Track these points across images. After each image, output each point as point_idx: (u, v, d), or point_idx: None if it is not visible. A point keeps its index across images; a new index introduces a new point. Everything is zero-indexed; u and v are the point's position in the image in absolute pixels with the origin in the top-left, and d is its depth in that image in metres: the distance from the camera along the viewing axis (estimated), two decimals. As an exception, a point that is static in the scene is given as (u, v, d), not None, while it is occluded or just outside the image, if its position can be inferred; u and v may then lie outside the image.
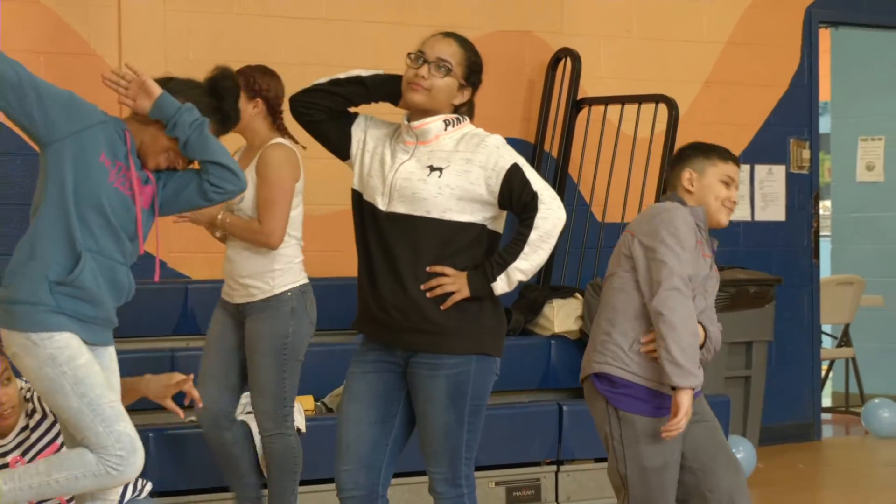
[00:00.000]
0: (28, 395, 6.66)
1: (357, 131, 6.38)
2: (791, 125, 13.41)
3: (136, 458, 5.68)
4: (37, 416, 6.63)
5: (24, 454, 6.62)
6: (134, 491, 6.92)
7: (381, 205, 6.24)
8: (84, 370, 5.62)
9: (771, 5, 13.25)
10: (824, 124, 15.64)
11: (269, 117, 8.09)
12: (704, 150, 6.61)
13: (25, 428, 6.66)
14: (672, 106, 11.54)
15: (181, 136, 5.68)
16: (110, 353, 5.90)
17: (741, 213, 13.02)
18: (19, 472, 5.75)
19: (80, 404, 5.63)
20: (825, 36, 14.49)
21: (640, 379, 6.40)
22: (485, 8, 11.82)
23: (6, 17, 10.32)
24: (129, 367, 9.46)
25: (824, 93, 15.44)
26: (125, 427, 5.67)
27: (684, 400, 6.24)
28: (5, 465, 6.59)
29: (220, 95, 5.96)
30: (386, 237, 6.23)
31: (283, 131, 8.04)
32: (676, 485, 6.49)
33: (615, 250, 6.58)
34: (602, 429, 6.49)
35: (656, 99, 11.71)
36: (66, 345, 5.62)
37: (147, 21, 10.71)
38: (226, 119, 5.98)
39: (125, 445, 5.65)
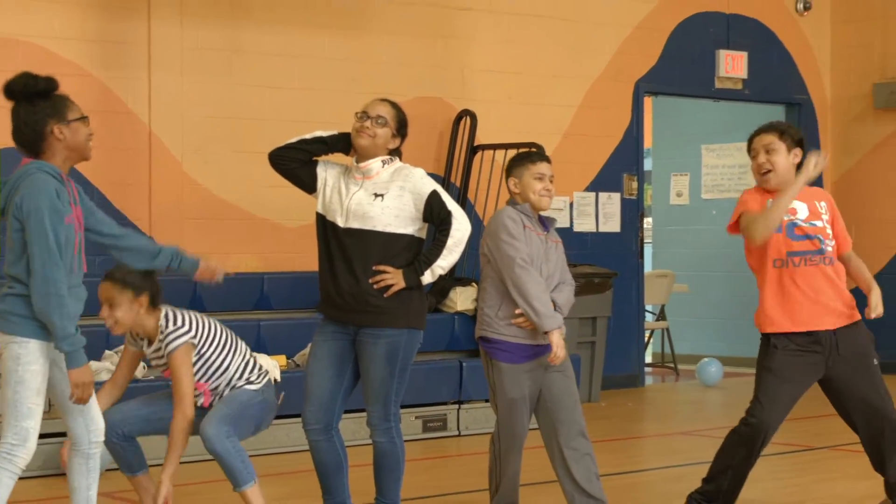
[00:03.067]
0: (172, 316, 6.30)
1: (321, 173, 6.39)
2: (624, 164, 13.46)
3: (24, 449, 5.40)
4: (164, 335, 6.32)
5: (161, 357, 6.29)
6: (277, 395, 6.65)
7: (340, 223, 6.25)
8: (30, 374, 5.37)
9: (610, 80, 13.32)
10: (648, 164, 15.73)
11: None
12: (520, 160, 6.53)
13: (158, 348, 6.30)
14: (541, 151, 11.60)
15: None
16: None
17: (589, 227, 13.11)
18: None
19: (11, 396, 5.37)
20: (648, 102, 14.57)
21: (504, 336, 6.38)
22: (409, 80, 11.85)
23: (71, 87, 10.27)
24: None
25: (648, 142, 15.55)
26: (28, 424, 5.37)
27: (555, 338, 6.26)
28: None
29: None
30: (344, 245, 6.23)
31: None
32: (530, 412, 6.50)
33: None
34: (485, 372, 6.54)
35: (529, 146, 11.73)
36: (32, 351, 5.40)
37: (170, 88, 10.68)
38: None
39: (20, 437, 5.37)
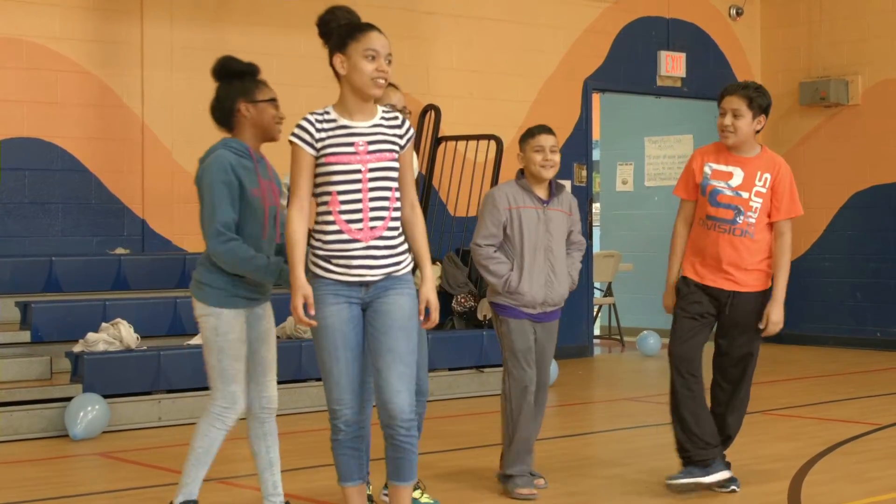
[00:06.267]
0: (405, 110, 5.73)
1: None
2: (575, 154, 13.48)
3: (234, 410, 5.31)
4: (397, 122, 5.16)
5: (371, 143, 5.00)
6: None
7: None
8: (229, 344, 5.27)
9: (562, 78, 13.34)
10: (596, 154, 15.77)
11: None
12: (524, 135, 6.46)
13: (380, 125, 5.09)
14: (499, 142, 11.61)
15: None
16: (265, 305, 5.47)
17: (543, 211, 13.12)
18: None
19: (216, 363, 5.28)
20: (596, 98, 14.60)
21: (500, 299, 6.42)
22: (379, 78, 11.79)
23: (70, 83, 10.23)
24: (146, 309, 9.45)
25: (596, 134, 15.58)
26: (235, 388, 5.29)
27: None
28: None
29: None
30: None
31: None
32: (532, 361, 6.43)
33: None
34: (496, 332, 6.54)
35: (488, 137, 11.78)
36: (227, 321, 5.28)
37: (160, 84, 10.64)
38: None
39: (228, 400, 5.29)
